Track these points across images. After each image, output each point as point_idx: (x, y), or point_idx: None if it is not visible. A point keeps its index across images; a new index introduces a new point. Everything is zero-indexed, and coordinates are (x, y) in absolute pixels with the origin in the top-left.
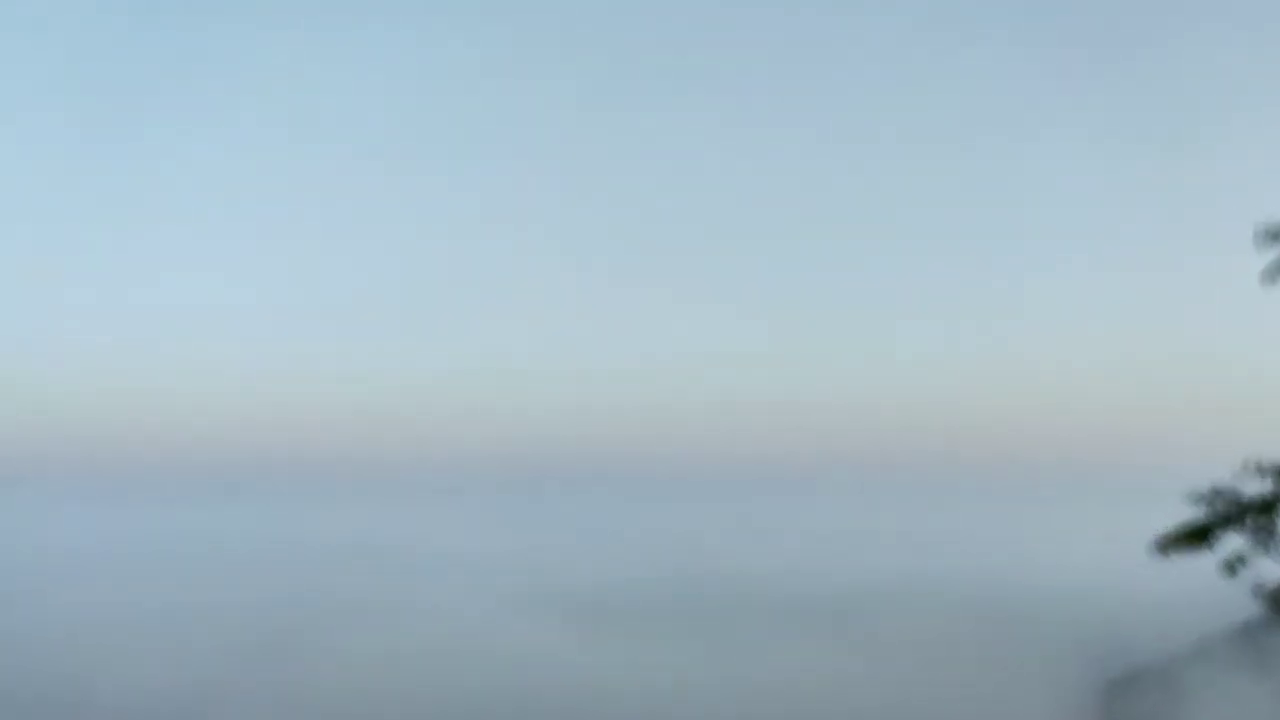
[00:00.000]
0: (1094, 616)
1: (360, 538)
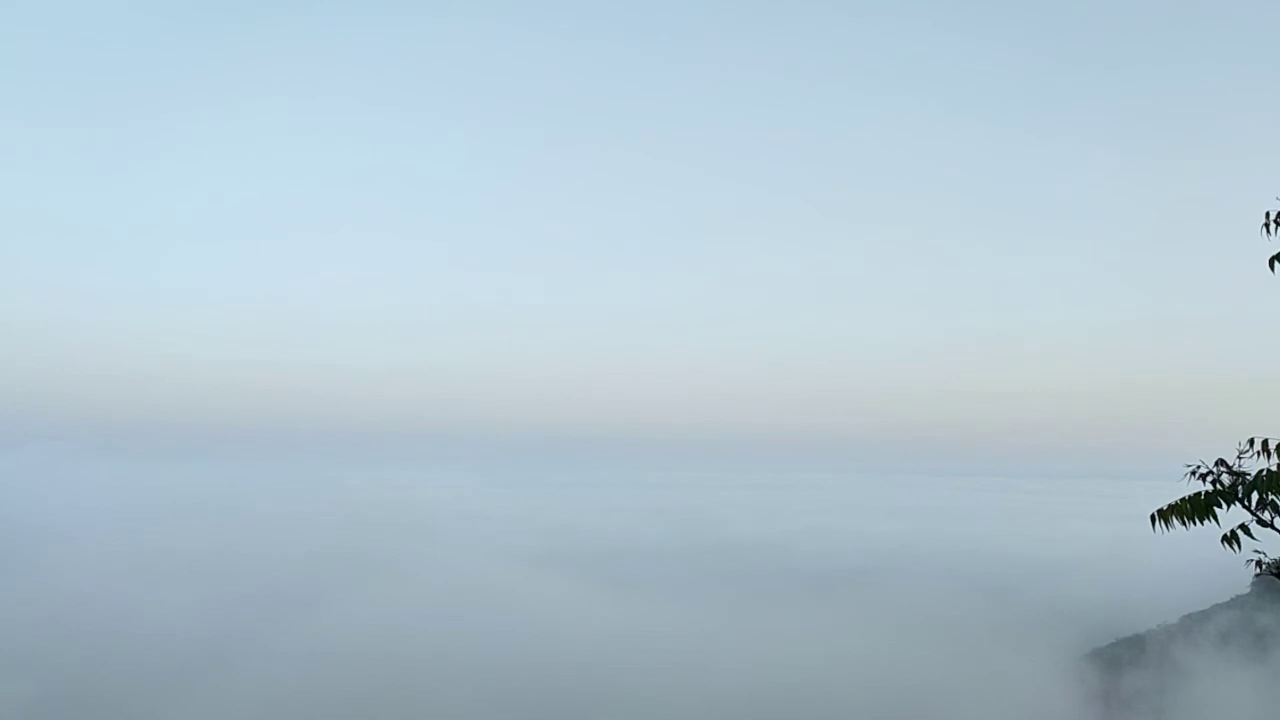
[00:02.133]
0: (1086, 589)
1: (382, 497)
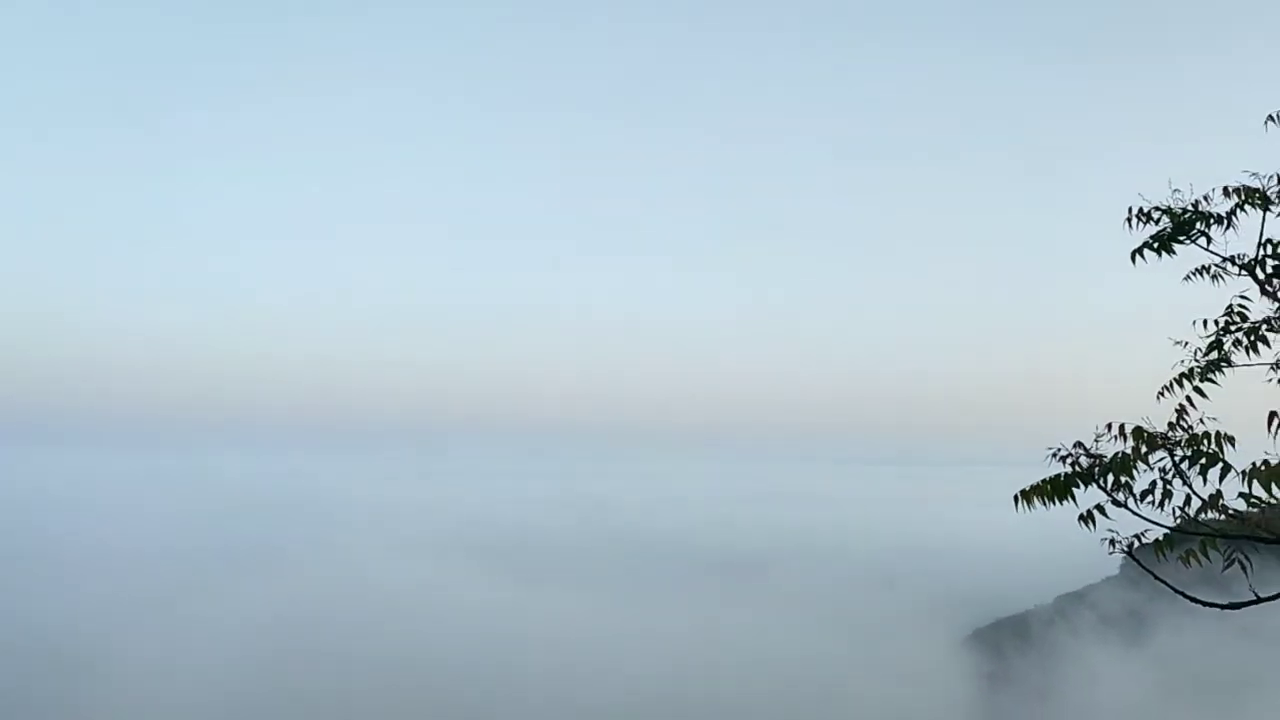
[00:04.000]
0: (969, 572)
1: (282, 485)
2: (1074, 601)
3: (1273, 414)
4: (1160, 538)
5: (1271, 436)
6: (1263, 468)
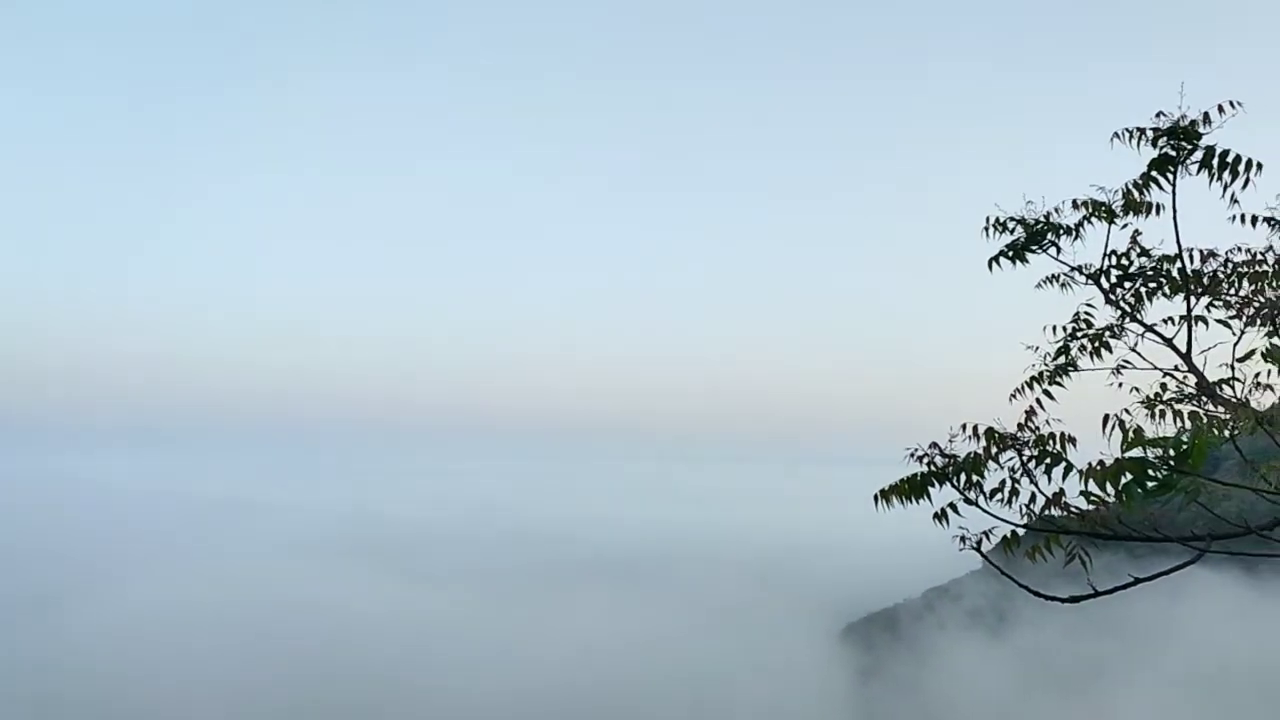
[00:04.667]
0: (842, 568)
1: (159, 485)
2: (941, 595)
3: (1107, 416)
4: (1008, 534)
5: (1106, 438)
6: (1098, 467)
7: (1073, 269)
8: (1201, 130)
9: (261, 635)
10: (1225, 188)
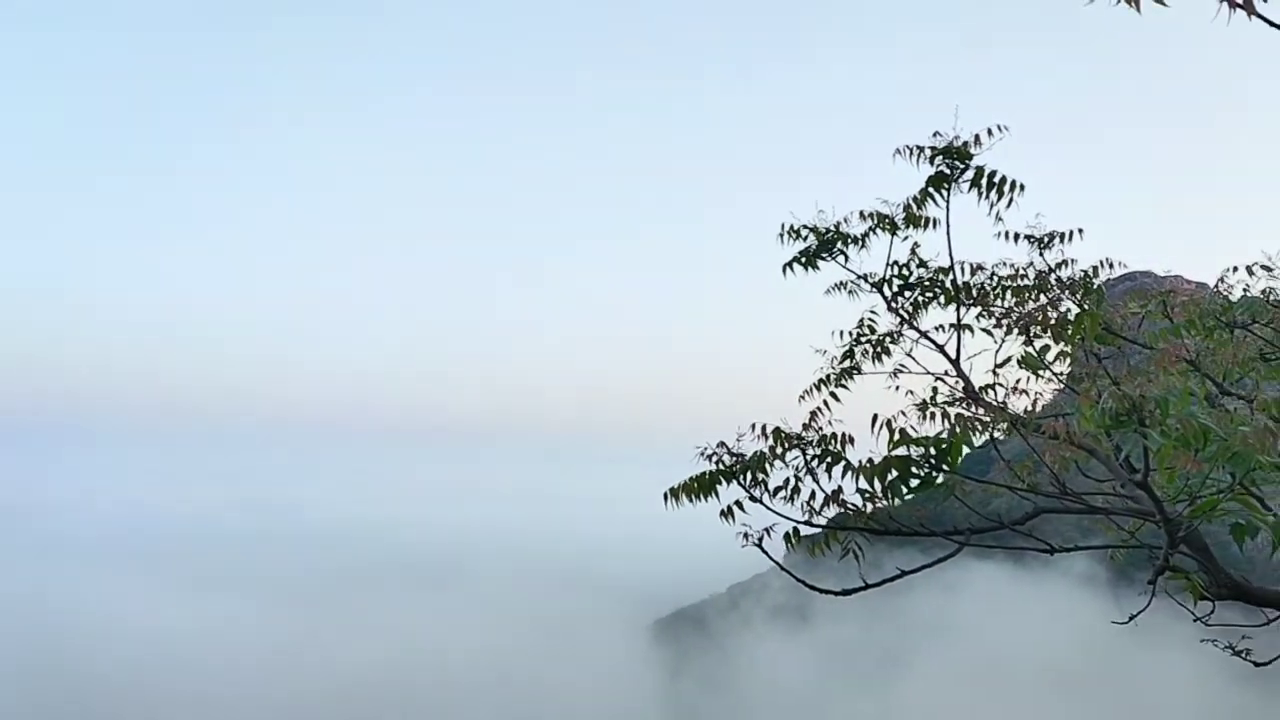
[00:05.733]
0: (652, 563)
1: None
2: (745, 591)
3: (875, 416)
4: (789, 531)
5: (875, 437)
6: (868, 464)
7: (859, 277)
8: (973, 151)
9: (19, 643)
10: (992, 206)
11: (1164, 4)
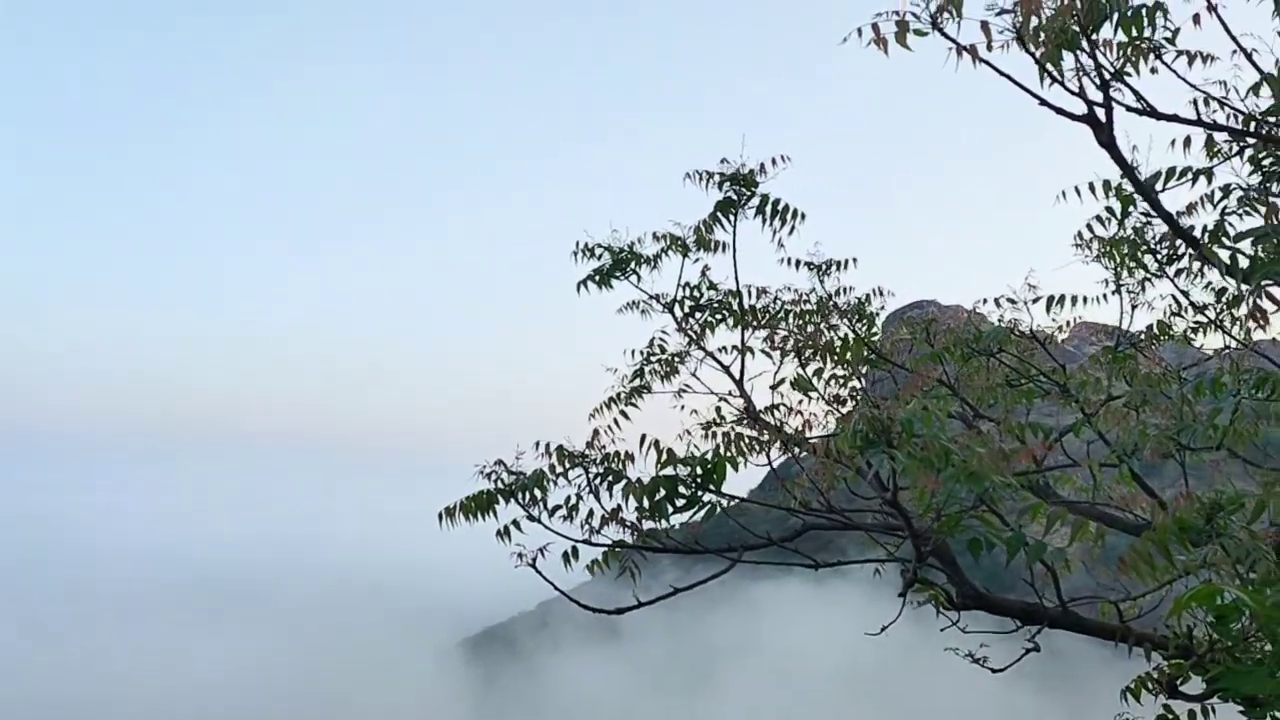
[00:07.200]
0: (456, 580)
1: None
2: (554, 607)
3: (643, 436)
4: (568, 550)
5: (642, 457)
6: (638, 484)
7: (651, 297)
8: (759, 179)
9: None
10: (775, 233)
11: (908, 49)
